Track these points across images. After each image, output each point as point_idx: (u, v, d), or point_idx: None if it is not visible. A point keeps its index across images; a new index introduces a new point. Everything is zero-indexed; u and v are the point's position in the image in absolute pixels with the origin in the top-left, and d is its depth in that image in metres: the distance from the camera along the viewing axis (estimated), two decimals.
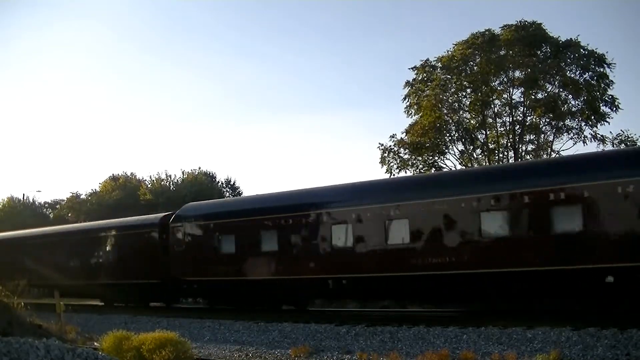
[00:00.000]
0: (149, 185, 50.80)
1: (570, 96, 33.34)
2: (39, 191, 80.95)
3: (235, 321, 18.97)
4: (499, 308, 16.85)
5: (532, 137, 34.86)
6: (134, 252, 25.57)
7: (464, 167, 34.63)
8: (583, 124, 33.29)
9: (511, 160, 33.72)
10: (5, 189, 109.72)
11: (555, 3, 67.87)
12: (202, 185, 49.77)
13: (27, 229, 35.45)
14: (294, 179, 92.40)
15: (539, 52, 33.57)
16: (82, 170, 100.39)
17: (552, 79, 33.25)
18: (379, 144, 35.66)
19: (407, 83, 35.89)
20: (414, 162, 35.44)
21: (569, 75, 33.02)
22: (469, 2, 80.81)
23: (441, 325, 15.15)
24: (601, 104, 32.87)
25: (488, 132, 35.06)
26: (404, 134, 35.53)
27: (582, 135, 33.16)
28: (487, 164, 34.38)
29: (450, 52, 34.73)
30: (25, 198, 60.87)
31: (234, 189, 55.26)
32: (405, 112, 36.11)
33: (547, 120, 33.93)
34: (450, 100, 34.85)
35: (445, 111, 34.78)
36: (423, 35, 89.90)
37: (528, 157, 34.27)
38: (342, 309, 20.83)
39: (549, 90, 33.70)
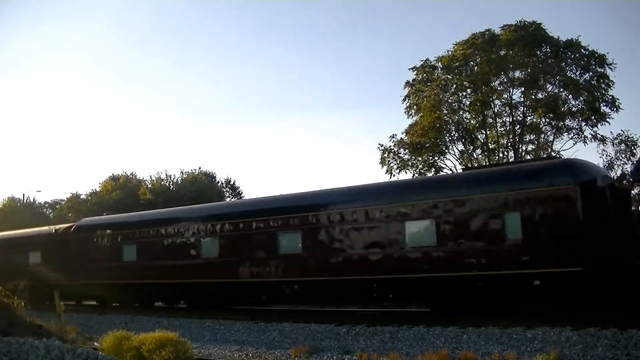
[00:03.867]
0: (149, 185, 50.81)
1: (570, 96, 33.36)
2: (39, 191, 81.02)
3: (235, 321, 18.97)
4: None
5: (532, 137, 34.90)
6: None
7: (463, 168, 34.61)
8: (583, 124, 33.32)
9: (512, 160, 33.74)
10: (5, 189, 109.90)
11: (555, 3, 67.90)
12: (202, 185, 49.80)
13: None
14: (294, 178, 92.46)
15: (539, 52, 33.56)
16: (82, 170, 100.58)
17: (552, 79, 33.26)
18: (379, 144, 35.74)
19: (407, 83, 35.91)
20: (414, 162, 35.46)
21: (569, 75, 33.03)
22: (469, 2, 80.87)
23: (441, 325, 15.15)
24: (601, 104, 32.88)
25: (488, 132, 35.07)
26: (404, 134, 35.57)
27: (583, 136, 33.24)
28: (488, 164, 34.38)
29: (450, 52, 34.75)
30: (25, 198, 60.97)
31: (234, 189, 55.34)
32: (405, 112, 36.18)
33: (547, 120, 33.96)
34: (450, 100, 34.88)
35: (445, 111, 34.81)
36: (423, 35, 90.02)
37: (528, 157, 34.27)
38: (341, 309, 20.82)
39: (549, 90, 33.74)
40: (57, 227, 29.67)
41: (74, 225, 28.87)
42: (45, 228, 31.00)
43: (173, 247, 23.68)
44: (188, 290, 23.54)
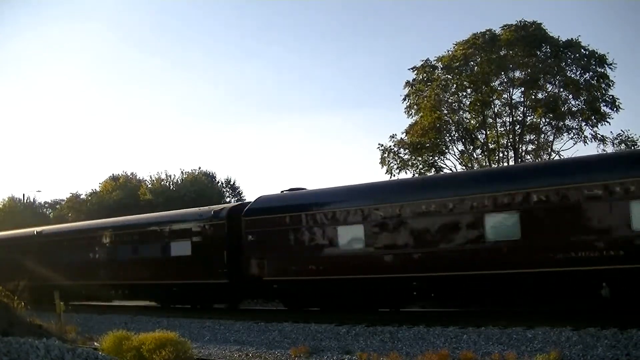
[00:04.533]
0: (149, 185, 50.81)
1: (570, 96, 33.40)
2: (39, 191, 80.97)
3: (235, 321, 18.97)
4: None
5: (532, 137, 34.92)
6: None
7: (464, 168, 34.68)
8: (583, 124, 33.35)
9: (511, 161, 33.77)
10: (6, 189, 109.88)
11: (555, 3, 67.88)
12: (202, 185, 49.83)
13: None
14: (294, 178, 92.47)
15: (539, 52, 33.59)
16: (82, 170, 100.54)
17: (552, 79, 33.30)
18: (379, 144, 35.76)
19: (407, 83, 35.92)
20: (414, 162, 35.48)
21: (569, 75, 33.06)
22: (469, 2, 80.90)
23: (441, 325, 15.15)
24: (601, 104, 32.90)
25: (488, 132, 35.08)
26: (404, 134, 35.59)
27: (583, 136, 33.27)
28: (487, 164, 34.43)
29: (450, 52, 34.76)
30: (25, 198, 60.99)
31: (234, 189, 55.33)
32: (405, 112, 36.19)
33: (547, 120, 33.98)
34: (450, 100, 34.90)
35: (445, 111, 34.82)
36: (423, 35, 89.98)
37: (528, 157, 34.30)
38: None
39: (549, 90, 33.79)
40: (218, 207, 23.49)
41: (246, 204, 22.63)
42: (195, 210, 24.46)
43: (433, 229, 17.41)
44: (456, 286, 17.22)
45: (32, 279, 23.97)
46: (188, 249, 22.68)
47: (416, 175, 34.74)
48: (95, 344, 14.05)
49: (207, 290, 22.37)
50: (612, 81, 32.72)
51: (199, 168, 53.13)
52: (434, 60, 35.36)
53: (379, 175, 36.47)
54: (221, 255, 21.60)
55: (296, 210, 20.40)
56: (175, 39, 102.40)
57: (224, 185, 55.17)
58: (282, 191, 22.48)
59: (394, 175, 35.03)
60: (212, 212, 22.58)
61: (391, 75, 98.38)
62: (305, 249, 19.80)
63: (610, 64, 32.64)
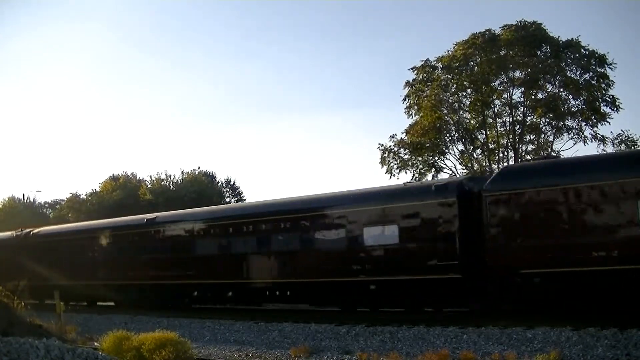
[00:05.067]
0: (149, 185, 50.82)
1: (570, 96, 33.40)
2: (39, 191, 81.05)
3: (235, 321, 18.96)
4: None
5: (532, 137, 34.93)
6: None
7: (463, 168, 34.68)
8: (583, 124, 33.35)
9: (511, 161, 33.76)
10: (6, 189, 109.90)
11: (555, 3, 67.88)
12: (202, 185, 49.86)
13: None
14: (294, 178, 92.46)
15: (539, 52, 33.60)
16: (82, 170, 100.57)
17: (552, 79, 33.30)
18: (379, 144, 35.75)
19: (407, 83, 35.91)
20: (414, 162, 35.47)
21: (569, 75, 33.06)
22: (469, 2, 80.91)
23: (441, 325, 15.15)
24: (602, 104, 32.91)
25: (488, 132, 35.09)
26: (404, 134, 35.58)
27: (583, 136, 33.27)
28: (487, 164, 34.43)
29: (450, 52, 34.76)
30: (25, 198, 61.04)
31: (234, 189, 55.38)
32: (405, 112, 36.18)
33: (547, 120, 33.99)
34: (450, 101, 34.89)
35: (445, 111, 34.81)
36: (423, 35, 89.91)
37: (528, 157, 34.29)
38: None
39: (549, 90, 33.79)
40: (441, 181, 19.32)
41: (481, 178, 18.66)
42: (404, 186, 19.79)
43: None
44: None
45: (149, 277, 23.94)
46: (394, 235, 18.03)
47: (416, 176, 34.75)
48: (95, 344, 14.07)
49: (426, 289, 17.65)
50: (612, 81, 32.78)
51: (199, 168, 53.22)
52: (434, 61, 35.37)
53: (379, 175, 36.45)
54: (450, 243, 17.15)
55: (573, 182, 15.63)
56: (175, 39, 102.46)
57: (224, 185, 55.25)
58: (529, 159, 17.64)
59: (394, 176, 35.06)
60: (434, 188, 18.00)
61: (391, 75, 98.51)
62: (590, 230, 15.12)
63: (610, 64, 32.67)
